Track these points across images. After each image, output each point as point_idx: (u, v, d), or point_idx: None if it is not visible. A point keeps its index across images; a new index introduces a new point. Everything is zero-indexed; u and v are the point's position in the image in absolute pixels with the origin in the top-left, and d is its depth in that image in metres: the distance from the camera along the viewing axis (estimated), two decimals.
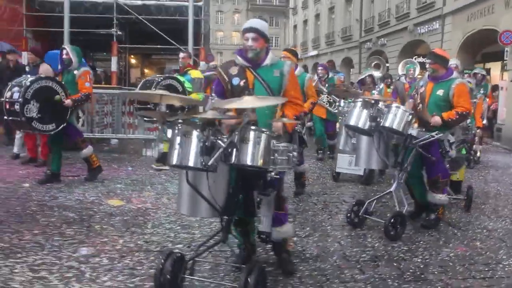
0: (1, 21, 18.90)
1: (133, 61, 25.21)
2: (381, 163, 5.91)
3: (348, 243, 5.33)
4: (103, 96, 10.87)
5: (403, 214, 5.62)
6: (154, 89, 7.82)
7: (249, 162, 3.58)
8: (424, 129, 5.85)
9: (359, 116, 5.70)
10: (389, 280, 4.32)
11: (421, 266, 4.69)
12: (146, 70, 27.94)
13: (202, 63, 15.77)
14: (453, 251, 5.14)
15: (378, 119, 5.58)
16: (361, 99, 5.86)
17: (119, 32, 19.74)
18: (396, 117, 5.60)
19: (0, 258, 4.43)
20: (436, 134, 5.71)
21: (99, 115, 10.82)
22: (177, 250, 3.97)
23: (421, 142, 5.73)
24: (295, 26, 53.61)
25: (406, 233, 5.66)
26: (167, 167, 8.46)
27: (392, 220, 5.45)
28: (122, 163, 9.38)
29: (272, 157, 3.69)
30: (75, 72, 7.53)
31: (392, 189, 5.91)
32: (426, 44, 25.45)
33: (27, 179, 7.70)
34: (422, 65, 14.11)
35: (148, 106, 8.13)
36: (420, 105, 5.97)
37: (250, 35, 4.17)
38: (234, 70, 4.27)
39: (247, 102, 3.71)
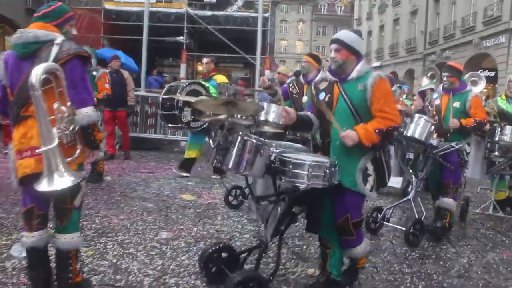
0: (81, 28, 20.26)
1: (200, 68, 26.19)
2: (398, 171, 6.22)
3: (398, 242, 5.76)
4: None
5: (422, 221, 5.76)
6: (179, 94, 7.97)
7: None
8: (443, 139, 6.06)
9: None
10: (434, 275, 4.75)
11: (466, 266, 5.08)
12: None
13: (267, 72, 16.38)
14: (499, 256, 5.49)
15: (400, 129, 5.52)
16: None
17: (188, 41, 20.74)
18: (418, 126, 5.77)
19: (95, 236, 5.17)
20: (456, 145, 5.92)
21: None
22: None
23: (442, 152, 5.94)
24: None
25: (456, 237, 6.06)
26: (187, 174, 8.75)
27: (411, 227, 5.61)
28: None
29: (306, 172, 3.67)
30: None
31: (410, 196, 6.15)
32: (492, 57, 25.25)
33: (108, 173, 8.51)
34: (488, 79, 14.18)
35: (173, 112, 8.20)
36: (436, 116, 6.16)
37: (333, 46, 4.03)
38: (323, 85, 4.18)
39: None
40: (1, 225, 5.35)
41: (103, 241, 5.06)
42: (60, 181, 3.19)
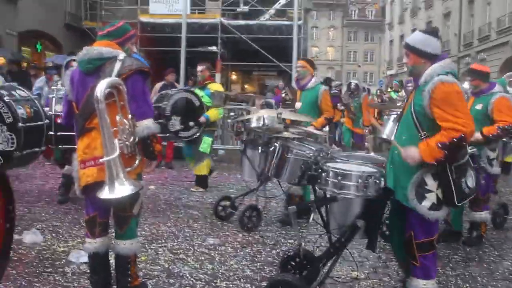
0: None
1: (234, 77, 26.51)
2: None
3: (441, 246, 5.79)
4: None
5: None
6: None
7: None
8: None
9: (391, 130, 5.47)
10: (478, 277, 4.80)
11: (510, 269, 5.11)
12: (246, 86, 29.23)
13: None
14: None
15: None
16: (395, 113, 5.80)
17: (222, 50, 21.04)
18: (386, 126, 5.69)
19: (145, 242, 5.38)
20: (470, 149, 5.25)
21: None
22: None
23: None
24: (391, 41, 53.35)
25: (498, 240, 6.07)
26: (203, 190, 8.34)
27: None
28: (231, 171, 10.29)
29: (335, 180, 3.68)
30: None
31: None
32: None
33: (152, 182, 8.75)
34: None
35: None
36: None
37: (404, 51, 3.85)
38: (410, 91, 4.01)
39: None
40: (57, 233, 5.62)
41: (153, 247, 5.27)
42: (121, 189, 3.39)
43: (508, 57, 26.68)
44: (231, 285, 4.37)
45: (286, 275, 3.93)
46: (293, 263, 4.17)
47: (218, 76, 20.00)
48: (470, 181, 3.62)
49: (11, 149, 3.95)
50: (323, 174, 3.79)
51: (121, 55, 3.67)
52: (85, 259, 4.62)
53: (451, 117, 3.41)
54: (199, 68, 8.45)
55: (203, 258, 5.04)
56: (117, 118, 3.51)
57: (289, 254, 4.29)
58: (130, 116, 3.58)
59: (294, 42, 13.69)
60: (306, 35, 23.86)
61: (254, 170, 6.05)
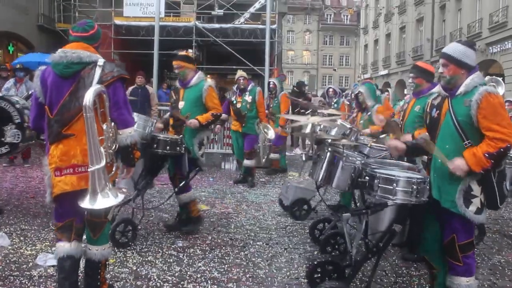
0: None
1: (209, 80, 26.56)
2: None
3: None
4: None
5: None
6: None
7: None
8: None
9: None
10: None
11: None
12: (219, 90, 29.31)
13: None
14: (504, 258, 5.65)
15: None
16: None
17: (197, 53, 21.06)
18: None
19: (114, 246, 5.37)
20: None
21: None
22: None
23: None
24: (365, 46, 53.96)
25: None
26: None
27: None
28: (204, 175, 10.29)
29: (391, 187, 3.74)
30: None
31: None
32: (498, 63, 25.40)
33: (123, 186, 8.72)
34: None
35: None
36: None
37: (441, 61, 3.84)
38: (437, 100, 4.03)
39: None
40: (25, 236, 5.59)
41: (122, 250, 5.28)
42: (103, 201, 3.41)
43: (479, 61, 27.18)
44: (198, 287, 4.42)
45: (333, 283, 3.97)
46: (321, 271, 4.26)
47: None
48: (508, 184, 3.84)
49: (17, 142, 6.11)
50: (375, 180, 3.81)
51: (101, 60, 3.63)
52: (52, 262, 4.66)
53: (497, 127, 3.53)
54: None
55: (171, 260, 5.08)
56: (104, 126, 3.50)
57: (316, 263, 4.31)
58: (112, 124, 3.58)
59: (267, 46, 13.76)
60: (281, 39, 24.02)
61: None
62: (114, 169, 3.68)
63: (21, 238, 5.53)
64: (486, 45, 26.35)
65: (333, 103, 13.17)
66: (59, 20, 24.04)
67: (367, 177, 3.89)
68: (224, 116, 9.18)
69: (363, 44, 55.47)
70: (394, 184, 3.71)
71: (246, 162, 9.35)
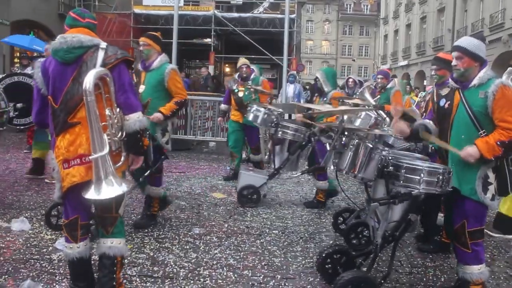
0: (111, 32, 20.82)
1: (227, 69, 26.55)
2: None
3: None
4: (205, 102, 11.98)
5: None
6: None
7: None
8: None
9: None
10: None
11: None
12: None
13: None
14: None
15: None
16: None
17: (215, 42, 21.10)
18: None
19: (132, 231, 5.47)
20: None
21: (201, 119, 11.93)
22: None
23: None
24: (385, 36, 53.41)
25: None
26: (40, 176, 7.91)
27: None
28: (221, 163, 10.37)
29: (417, 177, 3.76)
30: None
31: None
32: None
33: None
34: None
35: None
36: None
37: (454, 54, 3.94)
38: (445, 91, 4.16)
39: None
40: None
41: (140, 236, 5.36)
42: (109, 190, 3.24)
43: (501, 53, 26.83)
44: (213, 273, 4.47)
45: (352, 273, 3.97)
46: (331, 262, 4.29)
47: (211, 68, 20.08)
48: None
49: None
50: (401, 171, 3.83)
51: (103, 43, 3.48)
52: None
53: (511, 118, 3.70)
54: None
55: (188, 247, 5.14)
56: (107, 111, 3.33)
57: (324, 254, 4.33)
58: (118, 109, 3.41)
59: (285, 35, 13.69)
60: (300, 29, 23.95)
61: None
62: (122, 159, 3.47)
63: (41, 222, 5.61)
64: (509, 36, 25.93)
65: (355, 93, 12.78)
66: None
67: (392, 167, 3.89)
68: (224, 106, 9.06)
69: (383, 35, 54.91)
70: (421, 174, 3.73)
71: (254, 158, 8.95)
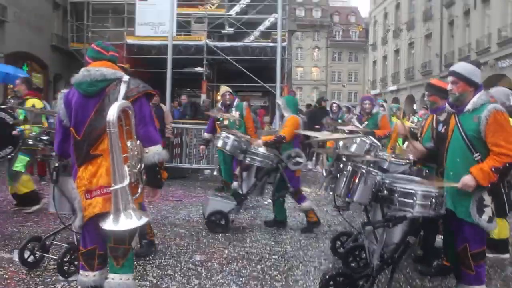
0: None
1: (219, 97, 26.82)
2: None
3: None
4: (200, 131, 12.10)
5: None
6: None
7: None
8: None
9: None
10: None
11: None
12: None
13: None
14: None
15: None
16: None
17: (207, 71, 21.32)
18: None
19: (133, 259, 5.52)
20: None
21: (196, 148, 12.05)
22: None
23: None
24: (374, 62, 54.17)
25: None
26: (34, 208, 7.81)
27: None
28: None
29: (410, 200, 3.88)
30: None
31: None
32: (508, 78, 25.46)
33: None
34: None
35: None
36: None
37: (449, 78, 4.06)
38: (443, 116, 4.36)
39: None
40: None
41: (141, 264, 5.41)
42: (127, 222, 3.28)
43: (488, 76, 27.27)
44: None
45: None
46: (334, 284, 4.33)
47: (203, 96, 20.27)
48: None
49: None
50: (395, 194, 3.95)
51: (125, 77, 3.57)
52: (74, 277, 4.78)
53: (503, 143, 3.79)
54: (16, 82, 8.07)
55: (190, 273, 5.20)
56: (128, 143, 3.39)
57: (327, 276, 4.39)
58: (138, 141, 3.45)
59: (278, 63, 13.94)
60: (291, 56, 24.23)
61: (67, 200, 4.91)
62: (139, 190, 3.52)
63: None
64: (495, 60, 26.45)
65: (339, 118, 12.98)
66: (72, 40, 24.49)
67: (386, 191, 4.01)
68: (207, 135, 9.09)
69: (372, 60, 55.69)
70: (414, 198, 3.85)
71: (236, 184, 8.46)
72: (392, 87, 45.80)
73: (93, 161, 3.46)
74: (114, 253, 3.55)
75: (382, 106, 12.40)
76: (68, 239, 5.95)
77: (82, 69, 3.57)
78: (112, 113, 3.25)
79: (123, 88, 3.48)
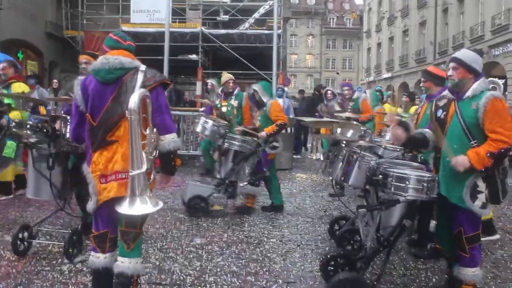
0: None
1: (209, 85, 26.89)
2: None
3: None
4: (195, 117, 12.22)
5: None
6: None
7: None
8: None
9: None
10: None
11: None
12: None
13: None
14: (507, 253, 5.91)
15: None
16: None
17: (203, 59, 21.39)
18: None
19: None
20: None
21: (193, 134, 12.19)
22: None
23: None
24: (368, 49, 54.22)
25: None
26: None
27: None
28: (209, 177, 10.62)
29: (403, 184, 4.03)
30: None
31: None
32: (501, 66, 25.65)
33: None
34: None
35: None
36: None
37: (451, 64, 4.14)
38: (442, 102, 4.31)
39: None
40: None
41: (144, 247, 5.50)
42: (142, 207, 3.35)
43: (482, 64, 27.40)
44: (218, 280, 4.70)
45: (347, 274, 4.24)
46: (334, 264, 4.53)
47: (199, 84, 20.35)
48: (510, 180, 4.18)
49: None
50: (388, 179, 4.11)
51: (142, 66, 3.64)
52: (79, 258, 4.97)
53: (500, 130, 3.88)
54: (0, 66, 7.61)
55: (191, 256, 5.37)
56: (147, 131, 3.46)
57: (328, 256, 4.58)
58: (154, 129, 3.54)
59: (274, 51, 14.04)
60: (285, 43, 24.28)
61: (52, 188, 5.16)
62: (152, 177, 3.58)
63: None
64: (489, 47, 26.60)
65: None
66: (66, 27, 24.38)
67: (380, 176, 4.18)
68: None
69: (366, 48, 55.74)
70: (407, 182, 4.01)
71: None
72: (386, 75, 45.93)
73: (109, 147, 3.55)
74: (125, 236, 3.63)
75: (365, 92, 12.53)
76: (70, 224, 6.13)
77: (101, 57, 3.64)
78: (134, 100, 3.33)
79: (140, 77, 3.56)
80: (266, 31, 19.91)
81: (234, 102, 8.84)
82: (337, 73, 67.51)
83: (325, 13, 71.15)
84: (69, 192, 5.50)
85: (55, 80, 16.45)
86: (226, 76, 9.11)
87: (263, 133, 7.23)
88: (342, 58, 72.10)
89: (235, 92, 8.94)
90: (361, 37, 60.90)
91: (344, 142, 4.82)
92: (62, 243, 5.11)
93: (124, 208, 3.34)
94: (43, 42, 23.85)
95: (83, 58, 5.97)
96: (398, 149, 5.61)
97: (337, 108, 8.85)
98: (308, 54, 71.92)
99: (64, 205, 5.40)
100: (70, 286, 4.42)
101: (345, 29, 71.50)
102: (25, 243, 5.21)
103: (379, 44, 49.63)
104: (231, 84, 8.93)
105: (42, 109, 7.82)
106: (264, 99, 7.47)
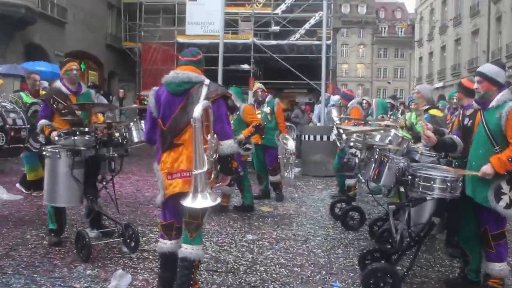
0: (156, 60, 22.01)
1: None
2: None
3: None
4: None
5: None
6: None
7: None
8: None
9: None
10: None
11: None
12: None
13: (333, 97, 17.16)
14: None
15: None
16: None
17: (254, 69, 22.09)
18: None
19: None
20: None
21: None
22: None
23: None
24: (420, 58, 53.76)
25: None
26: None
27: None
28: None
29: (429, 184, 4.42)
30: None
31: None
32: None
33: None
34: None
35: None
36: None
37: (476, 78, 4.53)
38: (469, 112, 4.72)
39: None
40: None
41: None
42: (203, 201, 3.84)
43: None
44: (268, 269, 5.26)
45: (379, 264, 4.68)
46: (370, 258, 4.99)
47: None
48: None
49: (1, 144, 6.46)
50: (416, 179, 4.57)
51: (207, 80, 4.13)
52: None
53: None
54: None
55: (244, 249, 5.96)
56: (208, 136, 3.98)
57: (366, 251, 5.08)
58: (214, 135, 4.05)
59: (323, 61, 14.48)
60: (336, 54, 24.72)
61: (77, 192, 5.62)
62: (212, 176, 4.01)
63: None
64: None
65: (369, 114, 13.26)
66: (125, 39, 25.67)
67: (409, 176, 4.64)
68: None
69: (417, 57, 55.28)
70: (432, 182, 4.45)
71: (272, 179, 9.12)
72: (438, 84, 45.43)
73: (176, 149, 4.09)
74: (189, 226, 4.14)
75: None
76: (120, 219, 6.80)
77: (172, 72, 4.22)
78: (198, 111, 3.77)
79: (204, 90, 4.08)
80: (316, 42, 20.46)
81: (267, 109, 9.18)
82: (389, 83, 67.06)
83: (376, 22, 70.91)
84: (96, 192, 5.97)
85: (121, 90, 17.43)
86: (256, 85, 9.56)
87: (241, 136, 7.33)
88: (394, 68, 71.60)
89: (267, 99, 9.33)
90: (413, 46, 60.41)
91: (377, 147, 5.30)
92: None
93: (188, 202, 3.84)
94: (103, 53, 25.17)
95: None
96: (434, 155, 6.00)
97: (335, 116, 9.13)
98: (359, 64, 71.83)
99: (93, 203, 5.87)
100: (139, 270, 5.08)
101: (396, 38, 71.04)
102: (134, 239, 5.60)
103: (431, 53, 49.18)
104: (260, 93, 9.33)
105: (100, 117, 8.54)
106: (237, 104, 7.82)
